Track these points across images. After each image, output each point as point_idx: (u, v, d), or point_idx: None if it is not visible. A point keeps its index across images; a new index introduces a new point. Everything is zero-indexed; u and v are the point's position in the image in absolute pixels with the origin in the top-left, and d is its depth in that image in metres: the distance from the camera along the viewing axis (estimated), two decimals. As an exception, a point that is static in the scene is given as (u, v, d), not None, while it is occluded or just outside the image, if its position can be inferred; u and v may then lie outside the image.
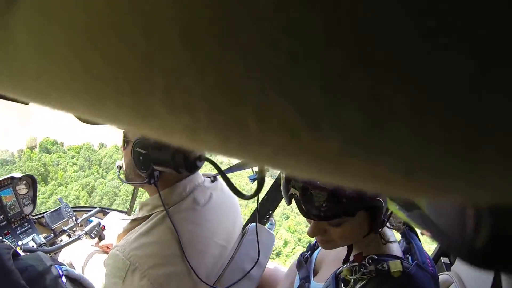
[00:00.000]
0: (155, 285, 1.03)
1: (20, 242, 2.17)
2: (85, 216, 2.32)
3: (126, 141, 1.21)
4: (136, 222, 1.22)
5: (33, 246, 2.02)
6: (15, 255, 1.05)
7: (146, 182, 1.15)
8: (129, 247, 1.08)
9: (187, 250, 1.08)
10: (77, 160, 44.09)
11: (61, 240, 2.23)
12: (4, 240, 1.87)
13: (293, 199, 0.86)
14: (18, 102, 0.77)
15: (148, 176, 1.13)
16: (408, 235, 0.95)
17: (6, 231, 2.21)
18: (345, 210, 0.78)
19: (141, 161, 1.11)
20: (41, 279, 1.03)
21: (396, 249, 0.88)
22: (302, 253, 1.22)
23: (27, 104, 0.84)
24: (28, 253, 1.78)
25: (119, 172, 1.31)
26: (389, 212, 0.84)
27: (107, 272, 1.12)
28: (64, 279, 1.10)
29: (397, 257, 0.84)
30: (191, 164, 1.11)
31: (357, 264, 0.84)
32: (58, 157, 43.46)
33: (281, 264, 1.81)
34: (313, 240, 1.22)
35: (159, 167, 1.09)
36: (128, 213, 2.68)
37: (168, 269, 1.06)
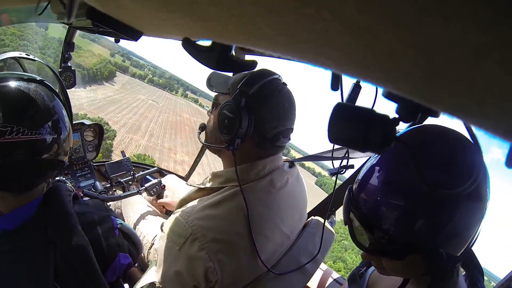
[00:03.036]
0: (212, 259, 1.01)
1: (78, 184, 2.30)
2: (142, 173, 2.42)
3: (215, 104, 1.20)
4: (204, 191, 1.20)
5: (93, 191, 2.14)
6: (75, 197, 1.08)
7: (225, 147, 1.11)
8: (193, 216, 1.06)
9: (253, 232, 1.06)
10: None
11: (115, 191, 2.34)
12: (66, 181, 1.96)
13: (348, 224, 0.83)
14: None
15: (228, 142, 1.08)
16: (476, 278, 0.87)
17: (66, 172, 2.35)
18: (392, 252, 0.75)
19: (225, 124, 1.08)
20: (97, 226, 1.06)
21: None
22: (357, 267, 1.17)
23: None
24: (87, 199, 1.88)
25: (199, 132, 1.29)
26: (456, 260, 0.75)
27: (164, 234, 1.12)
28: (117, 231, 1.14)
29: None
30: (275, 138, 1.11)
31: None
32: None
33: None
34: None
35: (242, 134, 1.06)
36: (185, 178, 2.74)
37: (229, 246, 1.04)
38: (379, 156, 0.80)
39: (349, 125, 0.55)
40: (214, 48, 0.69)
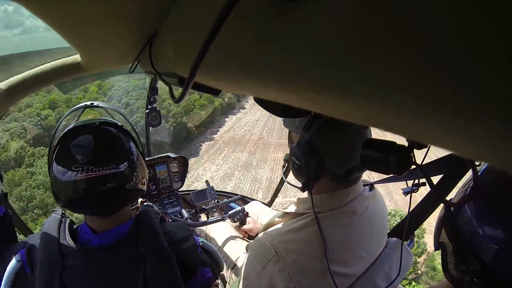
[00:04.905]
0: (292, 280, 1.07)
1: (165, 211, 2.53)
2: (226, 200, 2.55)
3: (290, 140, 1.25)
4: (288, 216, 1.26)
5: (180, 217, 2.35)
6: (162, 219, 1.22)
7: (300, 187, 1.17)
8: (278, 238, 1.13)
9: (332, 257, 1.08)
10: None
11: (200, 217, 2.53)
12: (154, 206, 2.16)
13: (441, 248, 0.75)
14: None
15: (303, 184, 1.16)
16: None
17: (155, 199, 2.61)
18: None
19: (296, 169, 1.15)
20: (180, 244, 1.17)
21: None
22: None
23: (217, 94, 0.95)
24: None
25: (284, 166, 1.37)
26: None
27: (249, 255, 1.21)
28: (200, 249, 1.24)
29: None
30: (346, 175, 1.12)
31: None
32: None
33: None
34: None
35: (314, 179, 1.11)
36: (268, 204, 2.81)
37: (308, 269, 1.09)
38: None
39: (374, 153, 0.76)
40: None
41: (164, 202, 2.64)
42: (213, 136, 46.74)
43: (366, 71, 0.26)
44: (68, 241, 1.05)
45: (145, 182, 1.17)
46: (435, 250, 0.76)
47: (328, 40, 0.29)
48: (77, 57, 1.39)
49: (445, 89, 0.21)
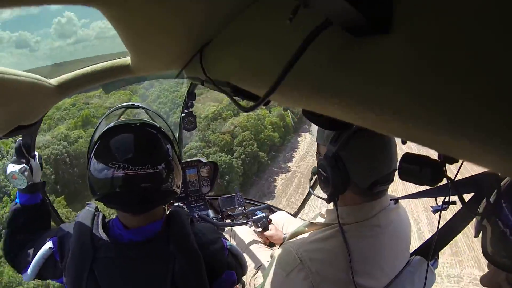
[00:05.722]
0: None
1: (192, 214, 2.58)
2: (252, 208, 2.57)
3: (317, 153, 1.28)
4: (315, 226, 1.28)
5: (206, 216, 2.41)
6: (192, 221, 1.24)
7: (326, 199, 1.19)
8: (303, 247, 1.16)
9: (356, 268, 1.09)
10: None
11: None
12: (184, 207, 2.19)
13: (481, 232, 0.78)
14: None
15: (329, 196, 1.18)
16: None
17: (182, 202, 2.66)
18: None
19: (322, 181, 1.18)
20: (209, 246, 1.20)
21: None
22: None
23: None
24: (202, 222, 2.13)
25: (312, 179, 1.41)
26: None
27: (274, 262, 1.22)
28: (227, 252, 1.27)
29: None
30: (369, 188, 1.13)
31: None
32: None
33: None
34: None
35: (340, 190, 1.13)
36: (295, 214, 2.83)
37: (332, 279, 1.11)
38: None
39: (410, 166, 0.87)
40: None
41: (192, 205, 2.72)
42: (288, 164, 34.09)
43: (423, 96, 0.31)
44: (101, 233, 1.09)
45: (180, 185, 1.21)
46: (475, 236, 0.82)
47: (391, 70, 0.34)
48: (126, 60, 1.50)
49: (493, 114, 0.24)
